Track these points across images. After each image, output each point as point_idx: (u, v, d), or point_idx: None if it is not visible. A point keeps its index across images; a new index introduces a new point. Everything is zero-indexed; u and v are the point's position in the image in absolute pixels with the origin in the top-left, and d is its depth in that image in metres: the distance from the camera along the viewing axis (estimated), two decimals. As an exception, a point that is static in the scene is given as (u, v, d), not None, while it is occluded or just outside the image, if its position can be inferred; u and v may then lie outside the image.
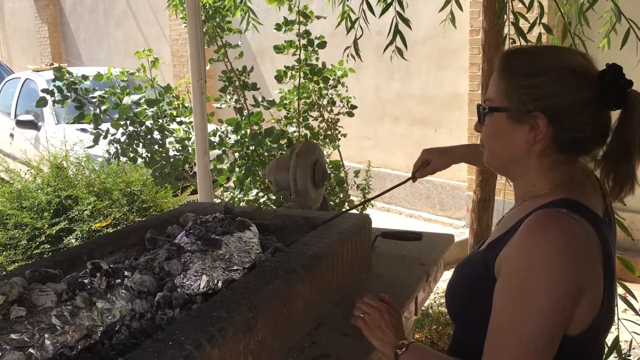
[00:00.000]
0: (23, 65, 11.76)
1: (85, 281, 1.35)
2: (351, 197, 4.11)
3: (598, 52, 3.05)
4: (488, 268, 1.13)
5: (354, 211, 2.29)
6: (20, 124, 6.63)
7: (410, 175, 1.88)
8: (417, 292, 1.86)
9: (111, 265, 1.40)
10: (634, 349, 2.51)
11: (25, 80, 7.45)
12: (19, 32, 13.45)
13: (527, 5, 2.63)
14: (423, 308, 3.86)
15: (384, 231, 2.18)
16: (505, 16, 2.72)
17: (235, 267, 1.47)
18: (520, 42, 2.63)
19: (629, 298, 2.25)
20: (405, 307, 1.73)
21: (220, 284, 1.39)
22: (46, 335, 1.15)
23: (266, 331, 1.30)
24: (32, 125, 6.55)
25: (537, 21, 2.59)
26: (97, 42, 11.39)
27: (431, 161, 1.81)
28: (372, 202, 4.44)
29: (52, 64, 7.66)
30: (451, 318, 1.32)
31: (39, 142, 5.98)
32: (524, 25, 2.64)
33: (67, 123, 5.94)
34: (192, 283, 1.37)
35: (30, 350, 1.12)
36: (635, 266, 3.54)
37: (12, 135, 6.96)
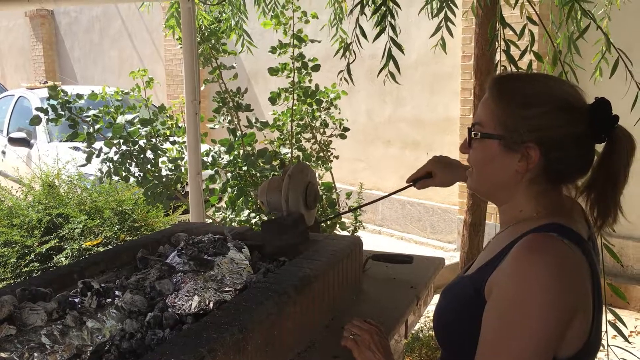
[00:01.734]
0: (16, 83, 11.77)
1: (76, 300, 1.35)
2: (342, 219, 4.12)
3: (588, 80, 3.10)
4: (478, 292, 1.12)
5: (345, 233, 2.29)
6: (13, 141, 6.62)
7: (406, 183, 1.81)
8: (408, 315, 1.86)
9: (102, 285, 1.40)
10: (623, 375, 2.51)
11: (19, 97, 7.45)
12: (14, 50, 13.49)
13: (517, 33, 2.67)
14: (413, 332, 3.85)
15: (375, 254, 2.19)
16: (496, 43, 2.77)
17: (226, 288, 1.47)
18: (511, 69, 2.67)
19: (618, 324, 2.25)
20: (395, 330, 1.73)
21: (211, 304, 1.39)
22: (35, 355, 1.15)
23: (256, 352, 1.30)
24: (25, 142, 6.54)
25: (528, 49, 2.63)
26: (91, 61, 11.43)
27: (435, 175, 1.75)
28: (364, 224, 4.44)
29: (46, 82, 7.68)
30: (438, 342, 1.32)
31: (31, 160, 5.96)
32: (515, 52, 2.68)
33: (60, 141, 5.94)
34: (183, 303, 1.37)
35: (19, 369, 1.12)
36: (625, 292, 3.56)
37: (3, 153, 6.94)
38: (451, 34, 2.84)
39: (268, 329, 1.34)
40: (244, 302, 1.36)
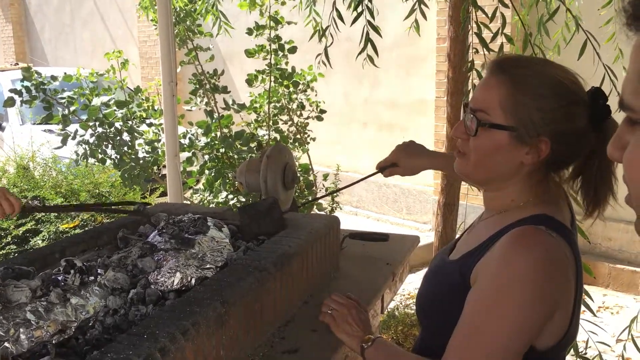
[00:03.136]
0: (-16, 64, 11.51)
1: (59, 278, 1.37)
2: (319, 201, 4.17)
3: (555, 59, 3.18)
4: (464, 278, 1.14)
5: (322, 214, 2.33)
6: (-17, 124, 6.51)
7: (375, 169, 1.80)
8: (384, 291, 1.92)
9: (85, 263, 1.42)
10: (589, 347, 2.62)
11: (-11, 80, 7.30)
12: (-18, 31, 13.16)
13: (489, 16, 2.73)
14: (389, 309, 3.94)
15: (352, 232, 2.25)
16: (469, 26, 2.82)
17: (208, 266, 1.50)
18: (483, 52, 2.72)
19: (586, 299, 2.35)
20: (371, 305, 1.79)
21: (193, 281, 1.43)
22: (21, 330, 1.17)
23: (238, 326, 1.34)
24: (-4, 125, 6.44)
25: (500, 31, 2.69)
26: (62, 42, 11.23)
27: (399, 165, 1.72)
28: (340, 205, 4.50)
29: (17, 64, 7.53)
30: (420, 322, 1.35)
31: (3, 143, 5.87)
32: (487, 35, 2.74)
33: (33, 124, 5.86)
34: (165, 280, 1.40)
35: (6, 344, 1.14)
36: (592, 269, 3.68)
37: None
38: (425, 17, 2.89)
39: (249, 304, 1.38)
40: (225, 278, 1.40)
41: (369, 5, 2.79)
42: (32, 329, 1.18)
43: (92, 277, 1.42)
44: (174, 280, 1.40)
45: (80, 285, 1.37)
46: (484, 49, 2.65)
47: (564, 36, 2.95)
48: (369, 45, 2.78)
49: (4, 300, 1.23)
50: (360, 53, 2.80)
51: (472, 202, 4.75)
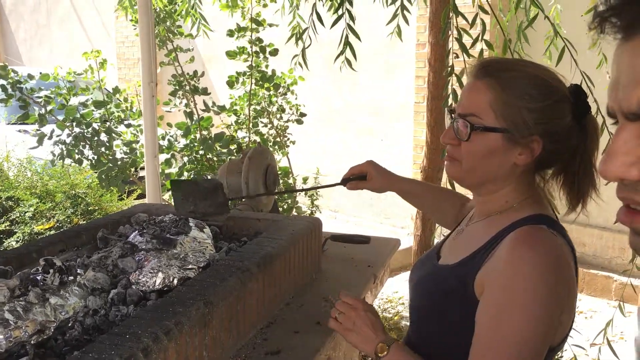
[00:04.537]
0: (-43, 63, 11.26)
1: (38, 277, 1.34)
2: (299, 204, 4.16)
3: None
4: (465, 285, 1.12)
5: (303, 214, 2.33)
6: (-45, 123, 6.36)
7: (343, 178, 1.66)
8: (366, 292, 1.92)
9: (64, 263, 1.40)
10: (565, 350, 2.66)
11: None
12: (-46, 29, 12.89)
13: (470, 21, 2.76)
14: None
15: (334, 235, 2.25)
16: (449, 32, 2.84)
17: (190, 266, 1.49)
18: (463, 57, 2.75)
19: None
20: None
21: (175, 281, 1.41)
22: (-1, 330, 1.15)
23: (220, 327, 1.33)
24: (-32, 125, 6.30)
25: (480, 37, 2.72)
26: (38, 42, 11.06)
27: (371, 178, 1.57)
28: (320, 209, 4.50)
29: (-9, 63, 7.38)
30: (411, 327, 1.32)
31: (-25, 143, 5.75)
32: (467, 41, 2.77)
33: (7, 124, 5.75)
34: (147, 280, 1.38)
35: (-17, 344, 1.12)
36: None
37: (-55, 136, 6.66)
38: (407, 22, 2.91)
39: (232, 304, 1.37)
40: (208, 279, 1.39)
41: (349, 8, 2.80)
42: (10, 329, 1.16)
43: (71, 277, 1.39)
44: (156, 281, 1.38)
45: (60, 285, 1.34)
46: (464, 54, 2.68)
47: (555, 46, 2.99)
48: (348, 48, 2.79)
49: (-19, 299, 1.20)
50: (338, 56, 2.81)
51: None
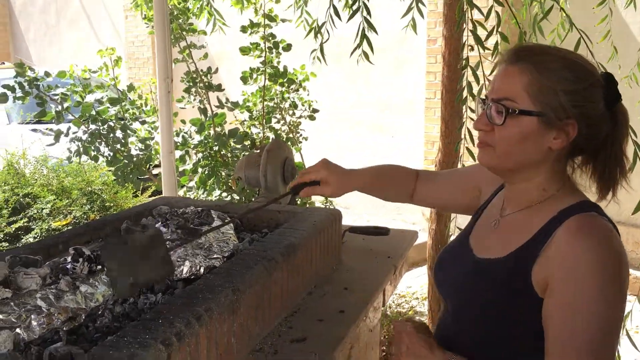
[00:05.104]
0: (-33, 65, 11.35)
1: (68, 266, 1.36)
2: (312, 199, 4.17)
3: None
4: (518, 277, 1.12)
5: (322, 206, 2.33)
6: (-31, 124, 6.41)
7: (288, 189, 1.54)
8: (386, 284, 1.93)
9: (93, 252, 1.42)
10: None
11: (-26, 79, 7.21)
12: (-35, 31, 12.98)
13: (485, 14, 2.76)
14: (382, 308, 3.96)
15: (352, 227, 2.26)
16: (464, 24, 2.85)
17: (215, 256, 1.51)
18: (478, 50, 2.75)
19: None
20: (375, 298, 1.80)
21: (202, 270, 1.43)
22: (32, 317, 1.16)
23: (247, 314, 1.34)
24: (-19, 125, 6.35)
25: (495, 30, 2.72)
26: (47, 42, 11.12)
27: (327, 183, 1.44)
28: (332, 204, 4.50)
29: (3, 63, 7.45)
30: (447, 320, 1.30)
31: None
32: (481, 33, 2.76)
33: (19, 123, 5.80)
34: (175, 268, 1.39)
35: (18, 330, 1.13)
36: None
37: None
38: (422, 15, 2.91)
39: (258, 293, 1.38)
40: (234, 267, 1.40)
41: (366, 1, 2.81)
42: (43, 316, 1.17)
43: (99, 267, 1.41)
44: (183, 269, 1.40)
45: (89, 273, 1.36)
46: (479, 47, 2.68)
47: (560, 35, 2.99)
48: (365, 41, 2.79)
49: (15, 287, 1.22)
50: (355, 50, 2.81)
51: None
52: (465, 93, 2.75)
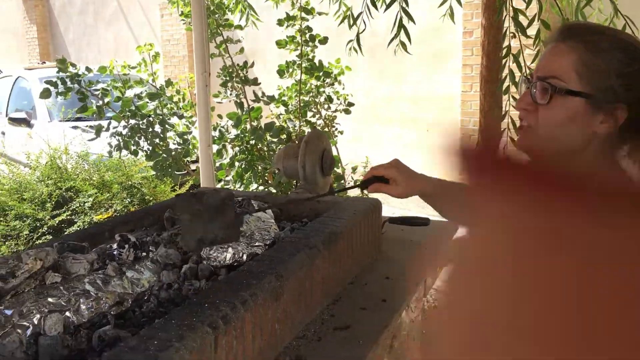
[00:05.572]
0: (9, 65, 11.68)
1: (114, 253, 1.38)
2: (347, 193, 4.16)
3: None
4: None
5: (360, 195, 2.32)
6: (13, 121, 6.60)
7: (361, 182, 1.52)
8: (428, 274, 1.91)
9: (138, 239, 1.43)
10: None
11: (17, 78, 7.41)
12: (6, 33, 13.36)
13: (526, 1, 2.70)
14: (423, 299, 3.92)
15: (392, 217, 2.23)
16: (505, 12, 2.79)
17: (257, 243, 1.51)
18: (519, 38, 2.70)
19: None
20: (417, 288, 1.78)
21: (245, 257, 1.43)
22: (81, 300, 1.18)
23: (290, 301, 1.34)
24: (25, 122, 6.52)
25: (537, 16, 2.66)
26: (86, 42, 11.36)
27: (397, 183, 1.42)
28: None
29: (44, 62, 7.64)
30: None
31: (31, 139, 5.96)
32: (523, 20, 2.71)
33: (60, 121, 5.93)
34: (218, 255, 1.40)
35: (67, 313, 1.15)
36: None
37: (3, 133, 6.92)
38: (460, 3, 2.87)
39: (301, 280, 1.38)
40: (276, 255, 1.40)
41: (403, -9, 2.78)
42: (91, 300, 1.19)
43: (144, 253, 1.43)
44: (226, 256, 1.40)
45: (134, 260, 1.38)
46: (520, 35, 2.62)
47: (603, 22, 2.91)
48: (402, 32, 2.76)
49: (64, 271, 1.24)
50: (392, 39, 2.79)
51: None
52: (507, 82, 2.70)
